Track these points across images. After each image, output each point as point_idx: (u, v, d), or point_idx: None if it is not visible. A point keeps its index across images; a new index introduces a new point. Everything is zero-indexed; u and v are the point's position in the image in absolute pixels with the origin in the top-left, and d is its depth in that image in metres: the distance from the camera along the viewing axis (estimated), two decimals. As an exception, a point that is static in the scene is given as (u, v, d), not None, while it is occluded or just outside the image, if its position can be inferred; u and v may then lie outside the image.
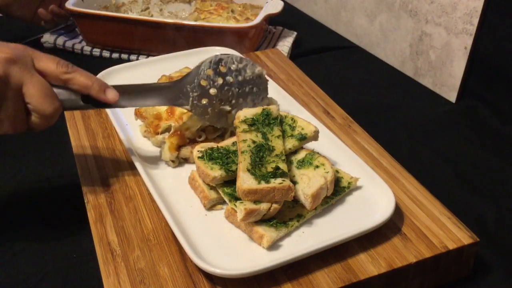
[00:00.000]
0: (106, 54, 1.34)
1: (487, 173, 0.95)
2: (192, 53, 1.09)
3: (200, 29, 1.23)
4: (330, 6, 1.52)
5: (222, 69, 0.81)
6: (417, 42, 1.24)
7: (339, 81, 1.26)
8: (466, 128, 1.08)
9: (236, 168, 0.71)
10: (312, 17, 1.62)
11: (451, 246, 0.68)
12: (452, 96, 1.17)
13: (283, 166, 0.70)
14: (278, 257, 0.64)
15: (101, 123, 0.93)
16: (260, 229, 0.67)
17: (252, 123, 0.76)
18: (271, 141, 0.74)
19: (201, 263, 0.62)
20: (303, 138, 0.77)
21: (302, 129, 0.78)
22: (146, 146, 0.86)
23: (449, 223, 0.72)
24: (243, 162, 0.70)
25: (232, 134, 0.82)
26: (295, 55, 1.35)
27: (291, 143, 0.76)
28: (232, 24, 1.31)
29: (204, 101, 0.80)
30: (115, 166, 0.83)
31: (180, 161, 0.82)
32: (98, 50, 1.34)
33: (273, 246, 0.67)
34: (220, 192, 0.72)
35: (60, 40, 1.36)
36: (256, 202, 0.67)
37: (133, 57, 1.32)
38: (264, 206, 0.67)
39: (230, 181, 0.72)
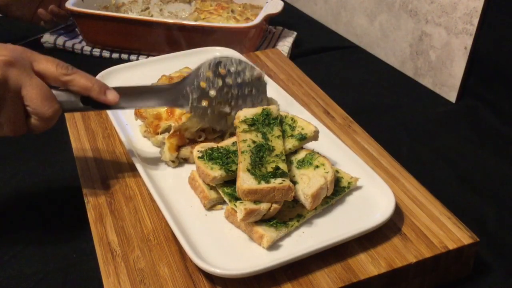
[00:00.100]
0: (106, 54, 1.34)
1: (487, 173, 0.95)
2: (192, 53, 1.09)
3: (200, 29, 1.23)
4: (330, 6, 1.52)
5: (222, 71, 0.81)
6: (417, 42, 1.23)
7: (339, 81, 1.26)
8: (466, 128, 1.08)
9: (236, 168, 0.71)
10: (312, 17, 1.62)
11: (451, 246, 0.68)
12: (452, 96, 1.17)
13: (283, 166, 0.70)
14: (278, 257, 0.64)
15: (101, 123, 0.93)
16: (260, 229, 0.67)
17: (252, 123, 0.76)
18: (271, 141, 0.74)
19: (201, 263, 0.62)
20: (303, 138, 0.77)
21: (302, 129, 0.78)
22: (146, 146, 0.86)
23: (449, 223, 0.72)
24: (243, 162, 0.70)
25: (232, 135, 0.82)
26: (295, 55, 1.35)
27: (291, 143, 0.76)
28: (232, 24, 1.31)
29: (203, 103, 0.80)
30: (115, 166, 0.83)
31: (180, 161, 0.82)
32: (98, 50, 1.34)
33: (273, 246, 0.67)
34: (220, 192, 0.72)
35: (60, 40, 1.36)
36: (256, 202, 0.67)
37: (133, 57, 1.32)
38: (264, 206, 0.67)
39: (230, 181, 0.72)
